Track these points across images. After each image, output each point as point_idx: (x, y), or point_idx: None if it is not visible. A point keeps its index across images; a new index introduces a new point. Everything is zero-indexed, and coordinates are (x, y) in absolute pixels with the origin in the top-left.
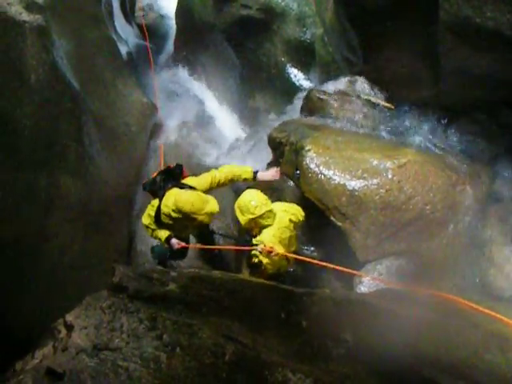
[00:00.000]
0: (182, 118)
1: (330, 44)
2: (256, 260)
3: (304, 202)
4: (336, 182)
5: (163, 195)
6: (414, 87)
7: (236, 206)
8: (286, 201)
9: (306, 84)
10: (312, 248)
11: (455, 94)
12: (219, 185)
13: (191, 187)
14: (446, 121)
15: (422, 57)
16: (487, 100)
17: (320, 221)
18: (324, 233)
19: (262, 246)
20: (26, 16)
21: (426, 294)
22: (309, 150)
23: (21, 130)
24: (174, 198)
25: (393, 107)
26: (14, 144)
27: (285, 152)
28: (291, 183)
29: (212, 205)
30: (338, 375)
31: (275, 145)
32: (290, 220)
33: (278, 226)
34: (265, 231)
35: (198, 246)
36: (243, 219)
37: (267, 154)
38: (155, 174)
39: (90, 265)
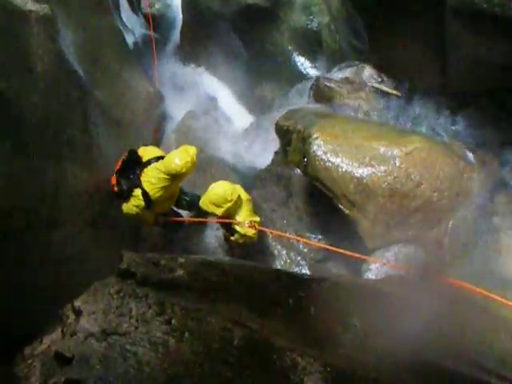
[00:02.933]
0: (189, 108)
1: (337, 32)
2: (238, 238)
3: (311, 189)
4: (344, 169)
5: (140, 182)
6: (421, 75)
7: (207, 202)
8: (292, 187)
9: (313, 72)
10: (320, 236)
11: (463, 81)
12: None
13: (158, 158)
14: (453, 108)
15: (429, 44)
16: (495, 87)
17: (327, 208)
18: (331, 220)
19: (247, 221)
20: (31, 5)
21: (436, 279)
22: (316, 138)
23: (28, 119)
24: (164, 168)
25: (399, 94)
26: (21, 133)
27: (292, 140)
28: (298, 171)
29: (191, 149)
30: (347, 359)
31: (282, 133)
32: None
33: (245, 205)
34: (242, 218)
35: (188, 219)
36: (220, 210)
37: (274, 142)
38: (114, 179)
39: (98, 254)
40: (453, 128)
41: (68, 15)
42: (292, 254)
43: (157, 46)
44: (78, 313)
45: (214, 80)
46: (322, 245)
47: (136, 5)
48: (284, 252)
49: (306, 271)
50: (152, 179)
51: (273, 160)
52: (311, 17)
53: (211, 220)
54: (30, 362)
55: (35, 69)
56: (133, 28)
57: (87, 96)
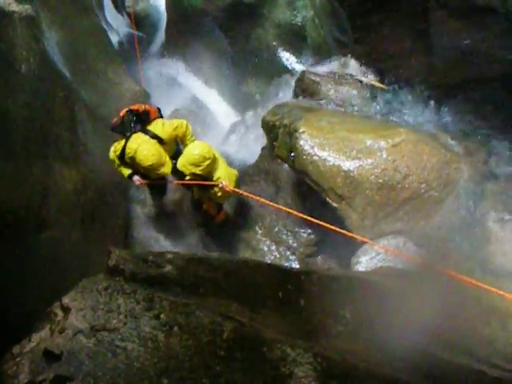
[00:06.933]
0: (175, 106)
1: (321, 26)
2: (219, 194)
3: (299, 184)
4: (331, 163)
5: (130, 137)
6: (406, 66)
7: (187, 164)
8: (280, 182)
9: (298, 67)
10: (309, 230)
11: (448, 72)
12: (182, 137)
13: (156, 135)
14: (439, 99)
15: (413, 35)
16: (480, 77)
17: (316, 203)
18: (320, 214)
19: (225, 183)
20: (15, 6)
21: (426, 269)
22: (303, 132)
23: (14, 120)
24: (137, 149)
25: (385, 87)
26: (8, 134)
27: (278, 135)
28: (286, 166)
29: (166, 168)
30: (338, 350)
31: (269, 128)
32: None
33: (220, 161)
34: (221, 173)
35: (160, 181)
36: (201, 169)
37: (261, 138)
38: (123, 113)
39: (88, 253)
40: (439, 119)
41: (52, 16)
42: (281, 249)
43: (142, 44)
44: (66, 310)
45: (200, 77)
46: (310, 218)
47: (120, 4)
48: (273, 247)
49: (295, 266)
50: (134, 145)
51: (260, 155)
52: (295, 12)
53: (192, 182)
54: (18, 359)
55: (20, 69)
56: (117, 27)
57: (73, 95)
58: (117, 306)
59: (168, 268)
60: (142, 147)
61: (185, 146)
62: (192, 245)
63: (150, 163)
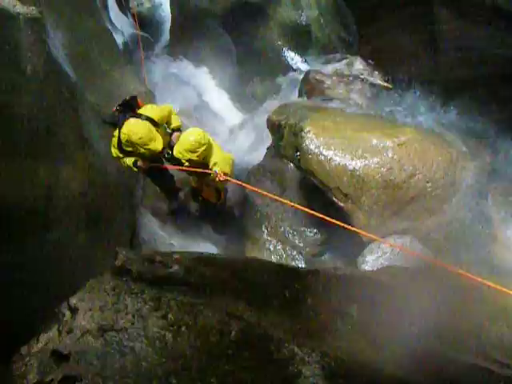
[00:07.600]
0: (180, 106)
1: (327, 25)
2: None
3: (305, 183)
4: (337, 162)
5: (122, 124)
6: (411, 66)
7: (183, 151)
8: (286, 182)
9: (304, 66)
10: (315, 230)
11: (453, 71)
12: (169, 118)
13: (148, 117)
14: (445, 98)
15: (419, 35)
16: (486, 76)
17: (322, 202)
18: (326, 214)
19: (219, 171)
20: (19, 8)
21: (433, 268)
22: (308, 132)
23: (19, 121)
24: (128, 127)
25: (390, 86)
26: (13, 134)
27: (284, 134)
28: (291, 166)
29: (156, 144)
30: (345, 349)
31: (274, 128)
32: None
33: (215, 146)
34: (217, 158)
35: (165, 166)
36: (197, 155)
37: (267, 138)
38: (114, 109)
39: (94, 254)
40: (445, 118)
41: (57, 17)
42: (288, 249)
43: (147, 45)
44: (74, 310)
45: (205, 77)
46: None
47: (125, 5)
48: (280, 246)
49: (302, 265)
50: (125, 130)
51: (266, 155)
52: (300, 11)
53: (186, 168)
54: (27, 360)
55: (25, 70)
56: (122, 28)
57: (78, 96)
58: (124, 306)
59: (175, 268)
60: (133, 125)
61: (169, 125)
62: (199, 244)
63: (139, 136)
